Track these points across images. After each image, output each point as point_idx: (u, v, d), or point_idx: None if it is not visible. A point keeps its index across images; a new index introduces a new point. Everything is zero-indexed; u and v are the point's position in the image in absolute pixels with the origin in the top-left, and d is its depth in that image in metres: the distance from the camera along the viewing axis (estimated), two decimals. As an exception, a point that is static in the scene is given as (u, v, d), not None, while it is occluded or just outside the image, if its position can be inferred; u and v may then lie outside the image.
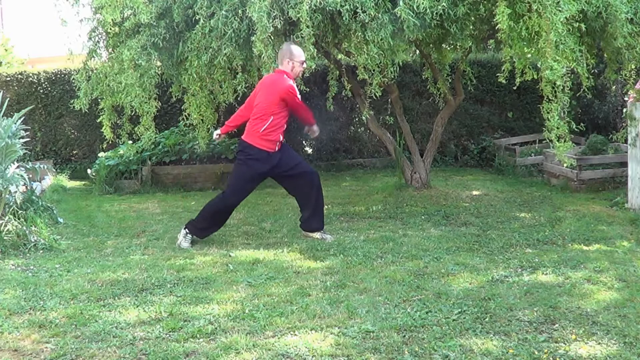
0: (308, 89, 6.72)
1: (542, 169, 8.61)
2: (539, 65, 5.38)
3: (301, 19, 5.13)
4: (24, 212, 5.52)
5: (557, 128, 5.33)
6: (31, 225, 5.43)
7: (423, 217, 6.22)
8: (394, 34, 5.26)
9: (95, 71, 6.65)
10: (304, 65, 5.23)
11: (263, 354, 3.07)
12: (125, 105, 6.29)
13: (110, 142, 7.23)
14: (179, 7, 5.72)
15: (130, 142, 7.72)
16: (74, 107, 6.63)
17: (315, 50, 5.44)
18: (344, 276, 4.29)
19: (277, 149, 5.20)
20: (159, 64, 6.15)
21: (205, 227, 5.32)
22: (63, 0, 6.30)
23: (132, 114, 6.43)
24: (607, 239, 5.17)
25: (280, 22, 5.24)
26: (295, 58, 5.16)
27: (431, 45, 7.16)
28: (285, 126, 5.22)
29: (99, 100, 6.72)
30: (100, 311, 3.71)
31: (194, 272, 4.48)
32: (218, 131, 5.55)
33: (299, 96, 5.23)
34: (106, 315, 3.64)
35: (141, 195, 8.23)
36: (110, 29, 6.05)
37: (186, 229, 5.30)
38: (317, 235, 5.43)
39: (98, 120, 6.88)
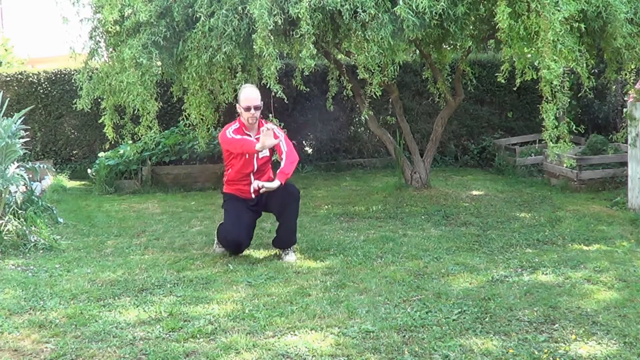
0: (308, 89, 6.72)
1: (542, 169, 8.60)
2: (537, 65, 5.37)
3: (301, 16, 5.12)
4: (24, 212, 5.52)
5: (554, 128, 5.32)
6: (31, 225, 5.43)
7: (423, 217, 6.22)
8: (394, 33, 5.26)
9: (96, 71, 6.65)
10: (251, 111, 4.68)
11: (263, 354, 3.07)
12: (127, 105, 6.29)
13: (112, 142, 7.23)
14: (179, 6, 5.72)
15: (131, 142, 7.72)
16: (74, 107, 6.63)
17: (315, 49, 5.43)
18: (344, 276, 4.29)
19: (252, 196, 4.86)
20: (159, 63, 6.15)
21: None
22: (64, -2, 6.31)
23: (134, 113, 6.43)
24: (607, 239, 5.17)
25: (281, 20, 5.24)
26: (241, 102, 4.73)
27: (431, 45, 7.16)
28: (253, 174, 4.78)
29: (100, 100, 6.71)
30: (100, 311, 3.71)
31: (194, 272, 4.48)
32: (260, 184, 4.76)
33: (237, 140, 4.70)
34: (106, 315, 3.64)
35: (141, 195, 8.23)
36: (111, 28, 6.04)
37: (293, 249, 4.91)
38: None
39: (100, 121, 6.88)
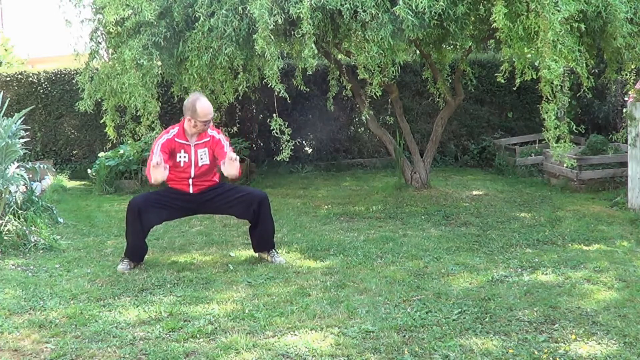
0: (308, 89, 6.72)
1: (542, 169, 8.60)
2: (537, 65, 5.37)
3: (302, 16, 5.12)
4: (24, 212, 5.52)
5: (555, 128, 5.32)
6: (31, 225, 5.42)
7: (423, 217, 6.22)
8: (394, 33, 5.26)
9: (97, 72, 6.65)
10: (207, 125, 4.55)
11: (263, 354, 3.07)
12: (128, 105, 6.29)
13: (113, 142, 7.24)
14: (179, 6, 5.72)
15: (131, 141, 7.71)
16: (75, 107, 6.63)
17: (316, 49, 5.43)
18: (344, 276, 4.29)
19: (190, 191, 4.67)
20: (159, 63, 6.15)
21: None
22: (67, 0, 6.31)
23: (135, 113, 6.43)
24: (607, 239, 5.17)
25: (281, 20, 5.24)
26: (198, 117, 4.48)
27: (431, 45, 7.16)
28: (192, 179, 4.60)
29: (100, 100, 6.71)
30: (100, 311, 3.71)
31: (194, 272, 4.48)
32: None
33: (161, 153, 4.46)
34: (106, 315, 3.64)
35: (141, 195, 8.22)
36: (112, 28, 6.04)
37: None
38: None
39: (101, 121, 6.88)
